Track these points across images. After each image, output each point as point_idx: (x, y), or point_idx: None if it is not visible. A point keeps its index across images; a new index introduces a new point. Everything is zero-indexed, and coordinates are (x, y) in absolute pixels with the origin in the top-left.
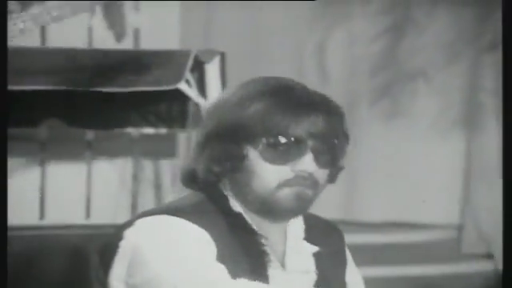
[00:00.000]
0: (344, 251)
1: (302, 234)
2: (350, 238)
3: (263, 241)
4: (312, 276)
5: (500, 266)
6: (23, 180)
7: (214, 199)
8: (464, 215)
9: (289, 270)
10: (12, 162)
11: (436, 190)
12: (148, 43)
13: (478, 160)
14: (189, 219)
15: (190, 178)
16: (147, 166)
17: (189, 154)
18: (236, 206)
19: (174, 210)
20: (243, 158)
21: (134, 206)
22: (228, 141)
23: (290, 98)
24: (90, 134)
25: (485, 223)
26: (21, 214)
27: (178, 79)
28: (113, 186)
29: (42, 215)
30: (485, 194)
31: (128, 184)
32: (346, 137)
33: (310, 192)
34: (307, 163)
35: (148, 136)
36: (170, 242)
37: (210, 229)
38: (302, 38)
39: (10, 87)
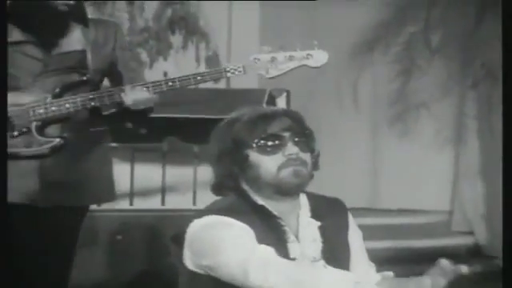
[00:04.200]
0: (346, 218)
1: (308, 213)
2: (374, 221)
3: (282, 222)
4: (318, 244)
5: (479, 240)
6: (149, 180)
7: (242, 198)
8: (453, 204)
9: (301, 242)
10: (141, 168)
11: (433, 186)
12: (236, 84)
13: (463, 166)
14: (232, 216)
15: (218, 188)
16: None
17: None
18: (258, 199)
19: (219, 211)
20: (246, 158)
21: None
22: (231, 151)
23: (263, 110)
24: (196, 148)
25: (468, 209)
26: (147, 201)
27: None
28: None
29: (162, 202)
30: (468, 189)
31: None
32: (310, 130)
33: (303, 169)
34: (290, 148)
35: None
36: (223, 235)
37: (246, 220)
38: (339, 79)
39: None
